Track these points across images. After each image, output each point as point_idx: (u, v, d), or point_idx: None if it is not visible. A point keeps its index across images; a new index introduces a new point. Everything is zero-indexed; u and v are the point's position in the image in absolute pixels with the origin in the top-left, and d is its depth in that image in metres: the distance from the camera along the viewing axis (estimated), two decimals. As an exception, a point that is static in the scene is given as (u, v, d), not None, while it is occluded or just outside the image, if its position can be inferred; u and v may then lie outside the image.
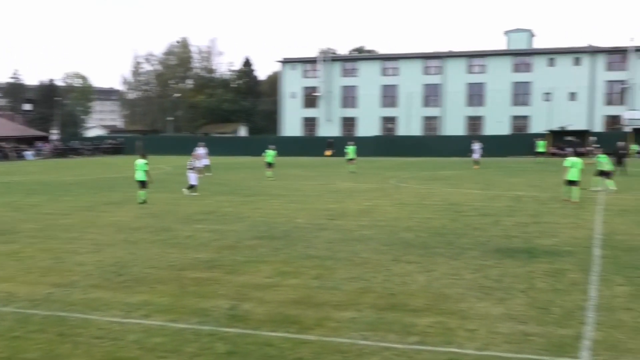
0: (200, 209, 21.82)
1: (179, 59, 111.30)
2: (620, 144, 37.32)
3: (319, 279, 11.43)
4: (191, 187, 27.04)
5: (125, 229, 17.46)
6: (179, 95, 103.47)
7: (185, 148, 59.36)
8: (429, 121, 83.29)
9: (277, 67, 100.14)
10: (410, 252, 13.76)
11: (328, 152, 69.95)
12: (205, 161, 38.60)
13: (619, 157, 36.10)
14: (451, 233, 16.26)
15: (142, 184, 24.02)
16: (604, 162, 27.42)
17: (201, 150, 38.80)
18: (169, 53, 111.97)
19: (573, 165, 23.07)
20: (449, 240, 15.15)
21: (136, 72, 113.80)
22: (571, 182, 23.02)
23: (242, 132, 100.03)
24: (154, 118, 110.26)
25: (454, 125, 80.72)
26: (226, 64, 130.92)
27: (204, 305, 9.79)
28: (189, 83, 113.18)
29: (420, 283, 11.06)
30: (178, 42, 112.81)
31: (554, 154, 66.79)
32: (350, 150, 42.16)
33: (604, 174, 27.26)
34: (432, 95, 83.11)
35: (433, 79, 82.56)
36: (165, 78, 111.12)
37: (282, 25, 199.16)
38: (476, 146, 46.93)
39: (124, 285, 11.19)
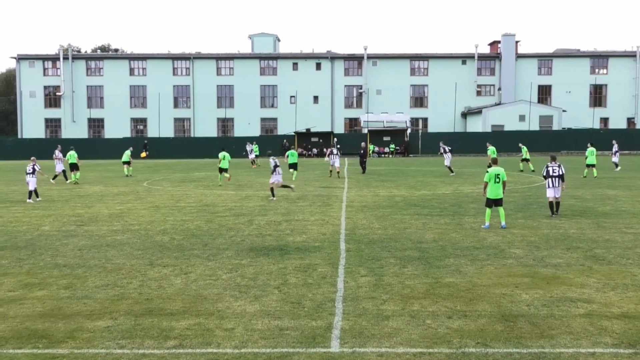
0: None
1: None
2: (363, 144, 40.12)
3: (69, 289, 10.81)
4: None
5: None
6: None
7: None
8: (180, 122, 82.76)
9: (13, 63, 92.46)
10: (165, 256, 13.56)
11: (143, 154, 66.29)
12: None
13: (362, 157, 38.89)
14: (207, 234, 16.32)
15: None
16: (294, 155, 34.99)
17: None
18: None
19: (224, 157, 31.46)
20: (205, 242, 15.20)
21: None
22: (221, 170, 31.50)
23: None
24: None
25: (205, 127, 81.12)
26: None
27: None
28: None
29: (177, 286, 10.95)
30: None
31: (300, 154, 70.20)
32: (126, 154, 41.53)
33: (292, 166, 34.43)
34: (182, 96, 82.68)
35: (183, 80, 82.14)
36: None
37: (16, 18, 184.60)
38: (249, 147, 50.29)
39: None
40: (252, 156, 49.17)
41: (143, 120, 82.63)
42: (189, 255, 13.63)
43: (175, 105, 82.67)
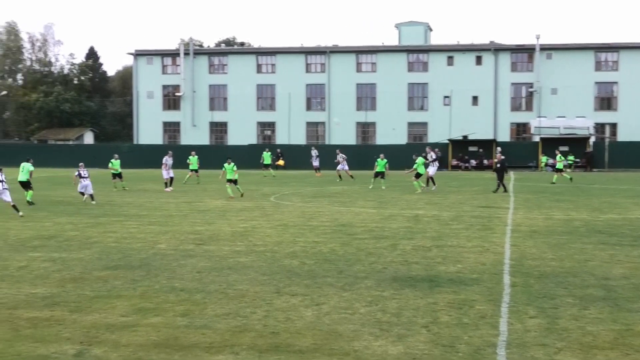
0: (37, 233, 21.04)
1: (5, 48, 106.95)
2: (499, 154, 38.84)
3: (187, 317, 11.28)
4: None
5: (-62, 260, 16.58)
6: (6, 93, 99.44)
7: (16, 157, 56.66)
8: (313, 127, 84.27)
9: (130, 60, 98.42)
10: (294, 283, 13.83)
11: (281, 162, 68.68)
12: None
13: (500, 171, 37.13)
14: (342, 259, 16.48)
15: None
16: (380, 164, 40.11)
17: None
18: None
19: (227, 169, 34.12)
20: (340, 268, 15.35)
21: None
22: (229, 181, 33.74)
23: (89, 138, 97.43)
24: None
25: (342, 132, 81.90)
26: (66, 56, 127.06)
27: (43, 352, 9.43)
28: (19, 78, 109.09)
29: (307, 319, 11.13)
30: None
31: (455, 167, 69.57)
32: (194, 160, 46.89)
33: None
34: (316, 97, 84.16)
35: (317, 78, 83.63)
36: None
37: (134, 9, 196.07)
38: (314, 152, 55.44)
39: (-61, 330, 10.60)
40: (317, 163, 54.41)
41: (271, 125, 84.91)
42: (322, 283, 13.82)
43: (308, 108, 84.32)
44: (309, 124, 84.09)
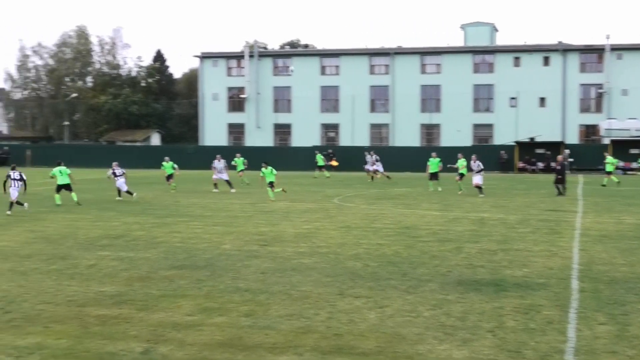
0: (105, 233, 21.50)
1: (75, 51, 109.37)
2: (560, 157, 37.91)
3: (251, 317, 11.37)
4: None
5: (12, 257, 17.06)
6: (76, 95, 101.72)
7: (85, 158, 58.18)
8: (377, 129, 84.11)
9: (196, 63, 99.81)
10: (358, 285, 13.83)
11: (334, 163, 68.61)
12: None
13: (559, 174, 36.24)
14: (406, 262, 16.42)
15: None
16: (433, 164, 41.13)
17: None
18: (63, 44, 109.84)
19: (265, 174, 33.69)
20: (404, 271, 15.30)
21: (23, 67, 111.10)
22: (271, 184, 33.45)
23: (155, 139, 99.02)
24: (47, 122, 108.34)
25: (406, 134, 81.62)
26: (134, 59, 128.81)
27: (111, 349, 9.63)
28: (89, 81, 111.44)
29: (371, 321, 11.12)
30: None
31: (522, 169, 68.67)
32: (239, 162, 47.48)
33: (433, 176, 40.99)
34: (380, 98, 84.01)
35: (381, 80, 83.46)
36: (59, 74, 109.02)
37: (201, 12, 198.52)
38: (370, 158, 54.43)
39: (12, 324, 10.89)
40: (372, 167, 52.92)
41: (334, 127, 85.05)
42: (385, 285, 13.79)
43: (372, 109, 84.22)
44: (372, 125, 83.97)
